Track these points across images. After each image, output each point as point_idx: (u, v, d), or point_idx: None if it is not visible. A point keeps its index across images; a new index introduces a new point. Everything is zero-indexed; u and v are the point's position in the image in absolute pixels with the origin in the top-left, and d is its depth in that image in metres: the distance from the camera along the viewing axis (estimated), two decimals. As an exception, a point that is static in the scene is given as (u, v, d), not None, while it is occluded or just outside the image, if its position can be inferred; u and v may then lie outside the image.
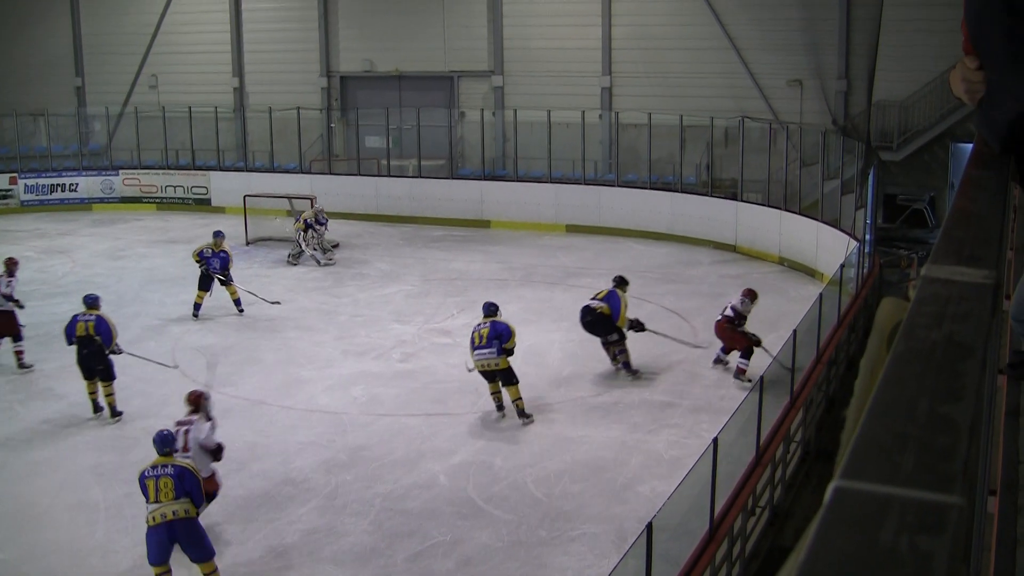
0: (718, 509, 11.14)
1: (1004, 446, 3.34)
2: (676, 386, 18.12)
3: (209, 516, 13.58)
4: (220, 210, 34.41)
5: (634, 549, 9.61)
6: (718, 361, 18.74)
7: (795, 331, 14.90)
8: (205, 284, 23.25)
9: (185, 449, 12.63)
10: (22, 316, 21.50)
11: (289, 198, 29.98)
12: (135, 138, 37.39)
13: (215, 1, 37.63)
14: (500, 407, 16.87)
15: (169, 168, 36.28)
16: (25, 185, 36.15)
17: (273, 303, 23.64)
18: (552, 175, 31.75)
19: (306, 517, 13.70)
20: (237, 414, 17.45)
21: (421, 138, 33.54)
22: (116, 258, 28.97)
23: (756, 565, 12.06)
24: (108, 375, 17.45)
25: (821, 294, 16.96)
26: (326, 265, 26.94)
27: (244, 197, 30.40)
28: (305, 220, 27.17)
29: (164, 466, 11.91)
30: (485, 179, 33.02)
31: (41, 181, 36.24)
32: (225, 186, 34.88)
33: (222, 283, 23.33)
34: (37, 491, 14.92)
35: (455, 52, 34.75)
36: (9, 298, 19.77)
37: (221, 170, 35.95)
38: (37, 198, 36.14)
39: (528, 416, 16.64)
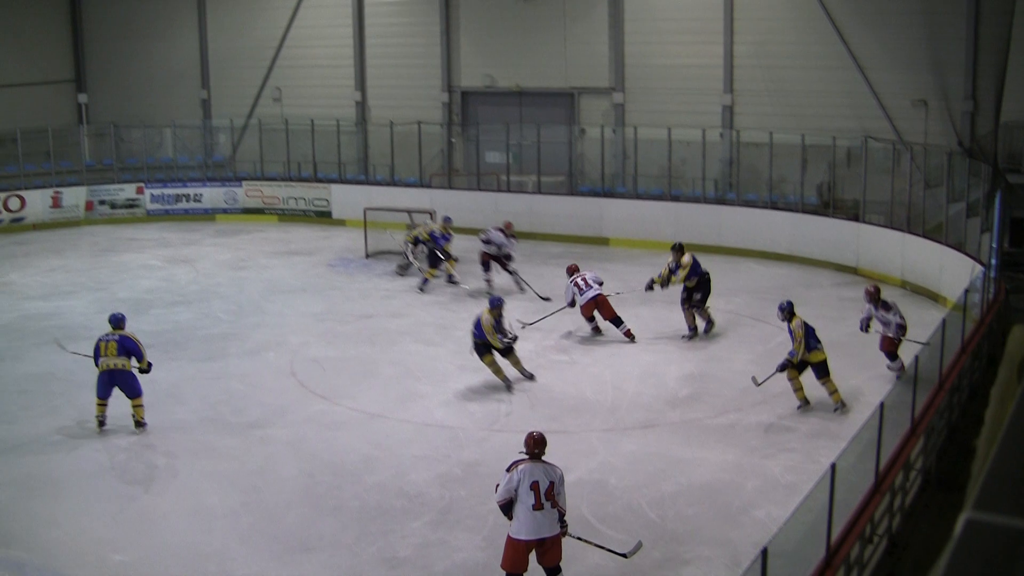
0: (835, 536, 10.95)
1: None
2: (794, 410, 17.89)
3: (320, 525, 13.74)
4: (341, 222, 34.75)
5: (748, 574, 9.50)
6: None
7: (916, 356, 14.66)
8: (434, 262, 26.13)
9: None
10: (146, 322, 21.97)
11: (409, 212, 30.15)
12: (258, 150, 37.98)
13: (339, 16, 38.03)
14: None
15: (291, 180, 36.71)
16: (151, 195, 36.83)
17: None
18: (671, 193, 31.61)
19: (420, 531, 13.77)
20: (354, 426, 17.63)
21: (541, 154, 33.56)
22: (238, 268, 29.38)
23: (873, 594, 11.86)
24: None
25: (944, 319, 16.68)
26: (425, 281, 26.83)
27: (364, 210, 30.66)
28: (416, 236, 27.23)
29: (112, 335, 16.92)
30: (604, 196, 32.95)
31: (166, 191, 36.90)
32: (346, 198, 35.21)
33: (445, 258, 26.04)
34: (156, 495, 15.23)
35: (576, 69, 34.75)
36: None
37: (342, 183, 36.28)
38: (162, 208, 36.80)
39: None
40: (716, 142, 31.95)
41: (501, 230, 26.27)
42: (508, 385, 18.81)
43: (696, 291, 21.78)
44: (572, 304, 22.27)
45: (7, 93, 39.54)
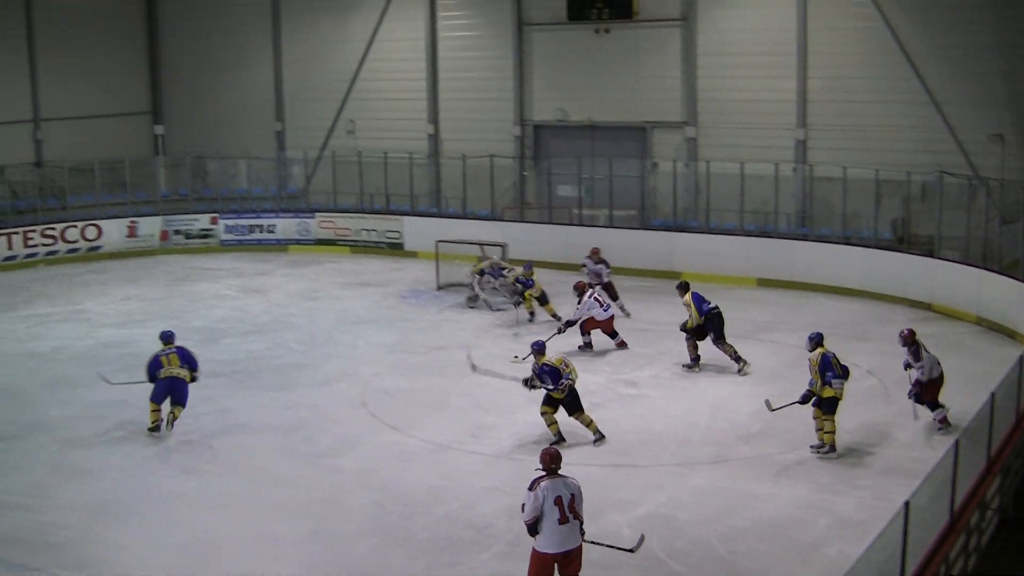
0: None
1: None
2: (866, 446, 17.72)
3: (389, 556, 13.72)
4: (412, 254, 34.85)
5: (820, 612, 9.40)
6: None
7: (993, 394, 14.43)
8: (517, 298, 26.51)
9: None
10: (219, 351, 22.19)
11: (481, 244, 30.11)
12: (331, 182, 38.20)
13: (413, 50, 38.23)
14: None
15: (364, 212, 36.90)
16: (225, 225, 37.18)
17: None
18: (744, 228, 31.45)
19: (488, 563, 13.78)
20: (423, 457, 17.67)
21: (613, 188, 33.52)
22: (310, 299, 29.55)
23: (947, 634, 11.63)
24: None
25: (1021, 356, 16.42)
26: (497, 311, 27.17)
27: (436, 242, 30.73)
28: (482, 268, 27.36)
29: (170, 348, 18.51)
30: (676, 230, 32.81)
31: (240, 222, 37.23)
32: (418, 231, 35.30)
33: (521, 300, 26.32)
34: (225, 523, 15.30)
35: (648, 102, 34.67)
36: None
37: (414, 215, 36.43)
38: (236, 238, 37.13)
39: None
40: (789, 176, 31.76)
41: (589, 258, 27.06)
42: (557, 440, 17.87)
43: (705, 328, 22.03)
44: (573, 322, 23.55)
45: (86, 124, 40.11)
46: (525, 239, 32.02)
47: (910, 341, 18.67)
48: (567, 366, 17.86)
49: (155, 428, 18.61)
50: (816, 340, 17.91)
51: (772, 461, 17.18)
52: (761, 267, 30.14)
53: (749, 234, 31.30)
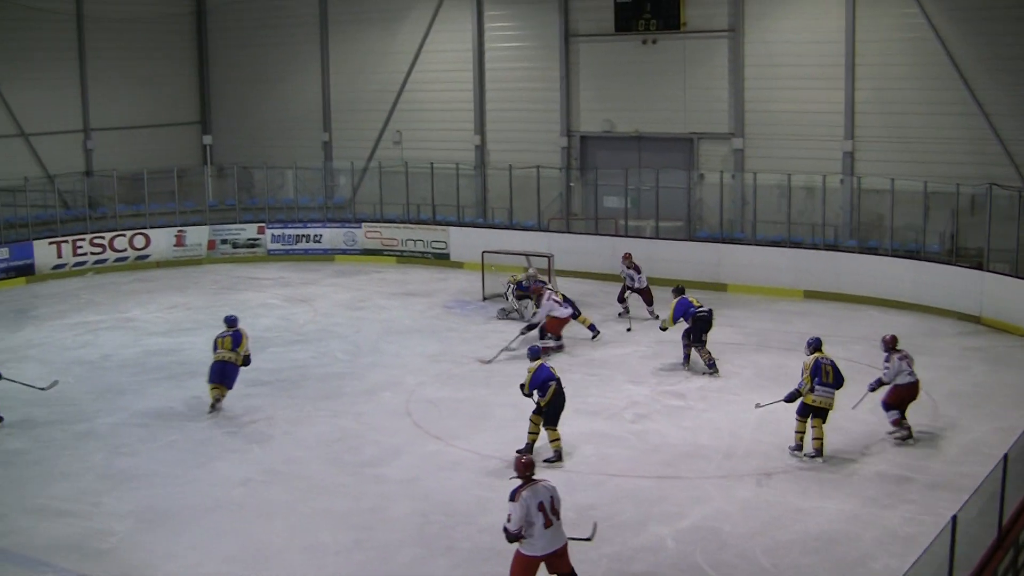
0: (956, 591, 10.70)
1: None
2: (914, 460, 17.61)
3: (433, 565, 13.71)
4: (458, 265, 34.82)
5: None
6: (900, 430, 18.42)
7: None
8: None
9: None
10: (264, 360, 22.33)
11: (526, 255, 30.09)
12: (378, 192, 38.26)
13: (459, 61, 38.31)
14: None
15: (410, 222, 36.93)
16: (272, 235, 37.36)
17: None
18: (791, 240, 31.30)
19: (532, 574, 13.78)
20: (468, 467, 17.68)
21: (659, 199, 33.39)
22: (356, 308, 29.60)
23: (995, 650, 11.54)
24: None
25: (1071, 370, 16.29)
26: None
27: (482, 253, 30.78)
28: (519, 280, 27.39)
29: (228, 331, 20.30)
30: (722, 242, 32.69)
31: (287, 231, 37.41)
32: (464, 241, 35.33)
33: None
34: (270, 531, 15.39)
35: (695, 114, 34.57)
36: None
37: (460, 225, 36.44)
38: (283, 248, 37.32)
39: None
40: (836, 188, 31.60)
41: (623, 262, 27.73)
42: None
43: (692, 330, 22.77)
44: (534, 325, 24.51)
45: (136, 135, 40.59)
46: (571, 250, 31.97)
47: (890, 347, 18.55)
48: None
49: (213, 407, 20.27)
50: (814, 345, 18.09)
51: (818, 474, 17.09)
52: (808, 279, 30.00)
53: (796, 246, 31.16)
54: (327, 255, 37.19)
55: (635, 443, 18.36)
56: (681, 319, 22.72)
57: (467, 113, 38.43)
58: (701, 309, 22.53)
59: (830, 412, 17.70)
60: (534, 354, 18.04)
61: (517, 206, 36.02)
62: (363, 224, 37.39)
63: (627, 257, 27.60)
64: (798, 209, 31.44)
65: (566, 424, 18.31)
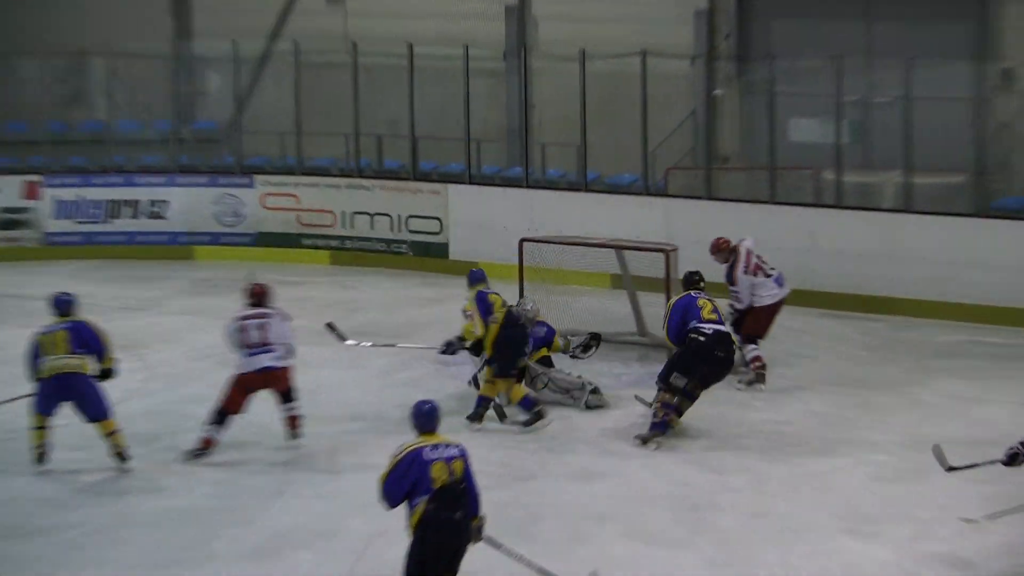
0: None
1: None
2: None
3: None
4: (465, 269, 21.21)
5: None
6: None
7: None
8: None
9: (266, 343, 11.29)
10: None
11: (622, 251, 20.47)
12: (291, 112, 23.30)
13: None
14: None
15: (362, 175, 21.84)
16: (57, 201, 22.94)
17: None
18: None
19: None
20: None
21: (915, 128, 19.13)
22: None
23: None
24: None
25: None
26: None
27: (520, 242, 21.30)
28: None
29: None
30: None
31: (90, 194, 23.69)
32: (476, 215, 21.22)
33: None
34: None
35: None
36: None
37: (470, 183, 21.30)
38: (80, 230, 23.50)
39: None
40: None
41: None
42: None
43: None
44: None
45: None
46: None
47: (723, 250, 14.09)
48: None
49: (41, 457, 12.79)
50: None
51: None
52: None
53: None
54: (179, 245, 21.63)
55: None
56: None
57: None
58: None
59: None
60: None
61: (594, 141, 19.50)
62: (257, 179, 21.00)
63: (723, 246, 14.78)
64: None
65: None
